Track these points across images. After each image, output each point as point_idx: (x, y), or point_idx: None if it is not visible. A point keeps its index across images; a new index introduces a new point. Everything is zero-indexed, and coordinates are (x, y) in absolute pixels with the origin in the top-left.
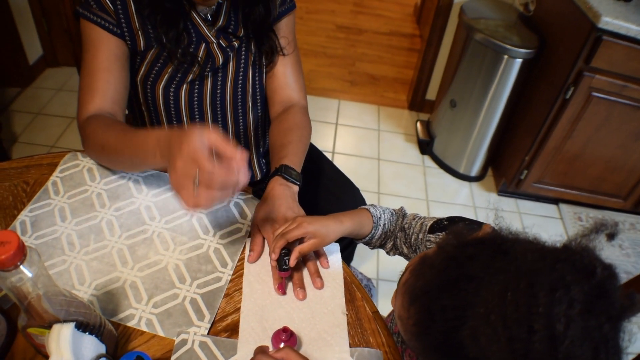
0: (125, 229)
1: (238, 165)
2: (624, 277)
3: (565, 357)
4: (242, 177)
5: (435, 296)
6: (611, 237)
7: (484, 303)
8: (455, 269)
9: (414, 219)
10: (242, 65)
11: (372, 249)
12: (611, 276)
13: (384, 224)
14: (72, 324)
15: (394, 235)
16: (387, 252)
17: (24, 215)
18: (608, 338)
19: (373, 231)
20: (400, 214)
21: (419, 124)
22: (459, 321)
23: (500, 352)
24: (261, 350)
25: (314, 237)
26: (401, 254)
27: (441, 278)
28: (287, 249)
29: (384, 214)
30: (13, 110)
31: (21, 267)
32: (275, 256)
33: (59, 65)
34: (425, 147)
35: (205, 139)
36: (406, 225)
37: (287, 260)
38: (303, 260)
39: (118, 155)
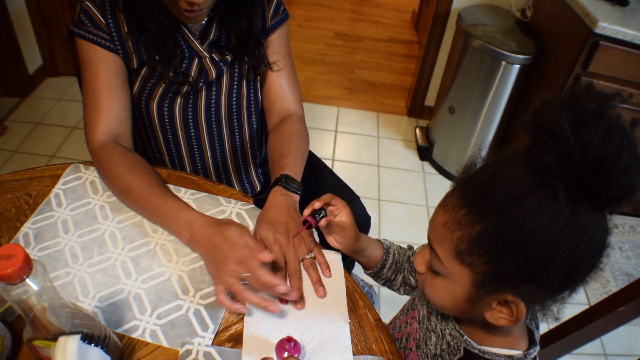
0: (128, 241)
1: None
2: (624, 279)
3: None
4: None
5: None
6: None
7: None
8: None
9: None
10: (236, 79)
11: (382, 283)
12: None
13: (394, 253)
14: (78, 336)
15: (403, 267)
16: (397, 289)
17: (27, 228)
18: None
19: (384, 257)
20: (408, 247)
21: (418, 130)
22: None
23: None
24: None
25: (347, 219)
26: (410, 287)
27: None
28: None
29: (392, 244)
30: (13, 120)
31: (27, 280)
32: (317, 205)
33: (59, 74)
34: (425, 153)
35: (245, 240)
36: (412, 256)
37: (320, 216)
38: (305, 269)
39: (139, 208)
